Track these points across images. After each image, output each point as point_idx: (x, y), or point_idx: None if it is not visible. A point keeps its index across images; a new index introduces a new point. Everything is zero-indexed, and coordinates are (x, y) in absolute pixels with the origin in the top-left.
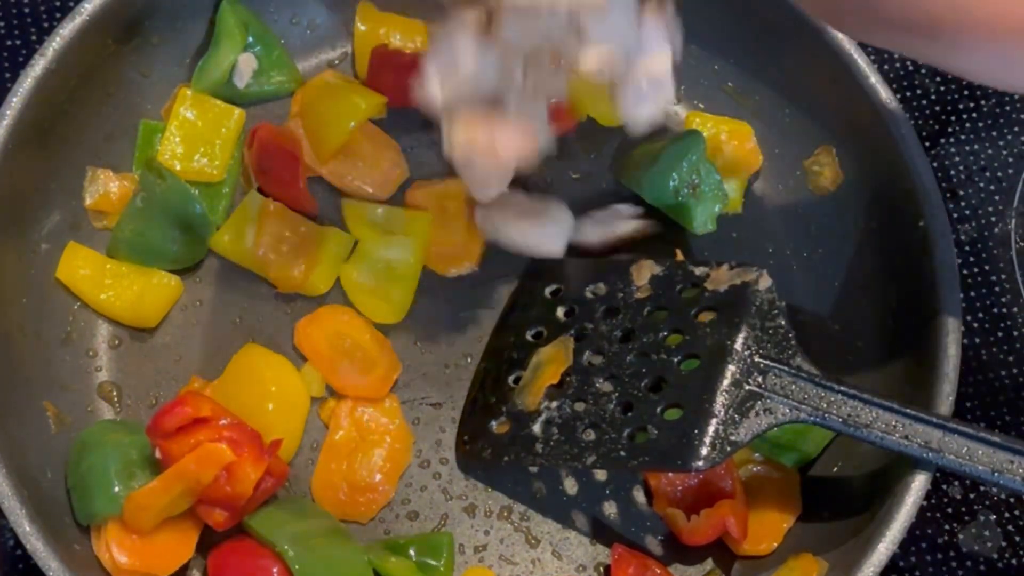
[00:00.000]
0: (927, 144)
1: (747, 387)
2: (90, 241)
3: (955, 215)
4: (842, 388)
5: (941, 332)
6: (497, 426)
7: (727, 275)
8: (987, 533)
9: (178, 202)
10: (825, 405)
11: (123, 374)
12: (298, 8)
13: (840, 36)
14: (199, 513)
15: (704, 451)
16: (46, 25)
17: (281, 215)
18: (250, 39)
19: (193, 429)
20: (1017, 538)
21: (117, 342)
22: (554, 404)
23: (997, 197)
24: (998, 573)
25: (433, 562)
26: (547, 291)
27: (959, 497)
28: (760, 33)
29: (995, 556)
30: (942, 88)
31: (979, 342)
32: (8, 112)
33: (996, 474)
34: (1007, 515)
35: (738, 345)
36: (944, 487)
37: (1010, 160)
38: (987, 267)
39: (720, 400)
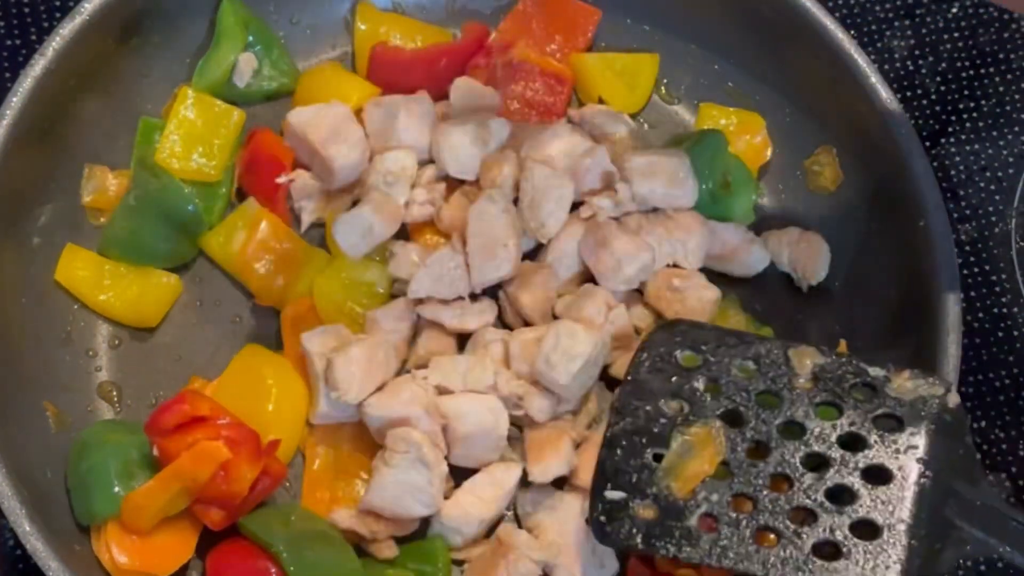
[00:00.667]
0: (927, 144)
1: (944, 514)
2: (89, 239)
3: (955, 215)
4: None
5: (941, 332)
6: (641, 509)
7: (911, 384)
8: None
9: (172, 201)
10: (1019, 538)
11: (123, 374)
12: (298, 8)
13: (840, 36)
14: (196, 512)
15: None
16: (46, 25)
17: (274, 227)
18: (250, 38)
19: (191, 427)
20: None
21: (117, 342)
22: (713, 497)
23: (997, 197)
24: (998, 573)
25: (429, 568)
26: (680, 356)
27: None
28: (760, 34)
29: (995, 556)
30: (942, 88)
31: (979, 342)
32: (8, 112)
33: None
34: None
35: (935, 466)
36: None
37: (1010, 160)
38: (987, 267)
39: (922, 527)
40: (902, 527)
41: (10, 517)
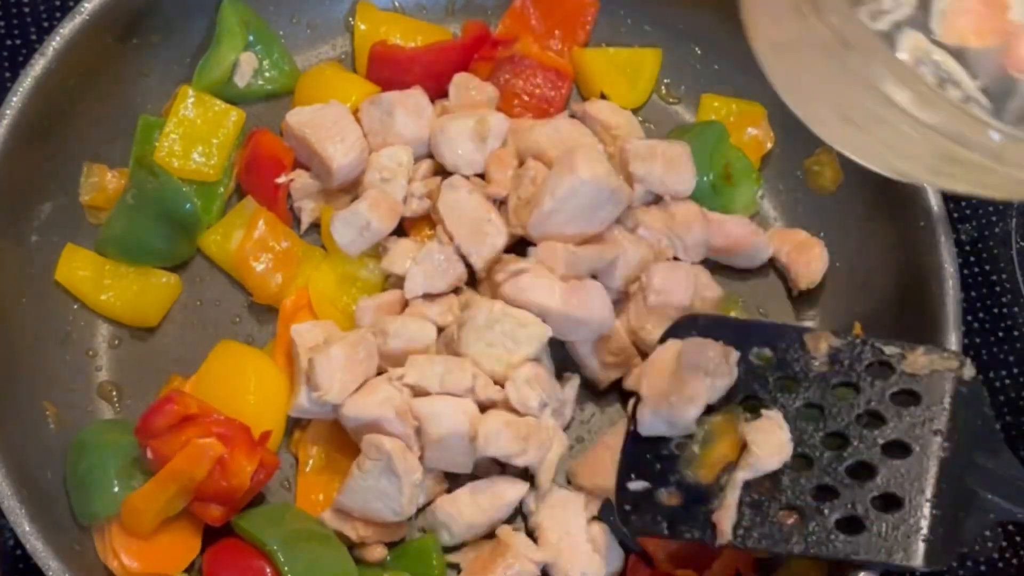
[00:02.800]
0: None
1: (966, 484)
2: (88, 238)
3: (955, 215)
4: None
5: (941, 332)
6: (667, 496)
7: (926, 359)
8: (987, 533)
9: (169, 199)
10: None
11: (123, 374)
12: (298, 7)
13: None
14: (195, 511)
15: (929, 550)
16: (46, 25)
17: (271, 226)
18: (251, 38)
19: (182, 427)
20: (1017, 538)
21: (117, 342)
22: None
23: None
24: (998, 573)
25: (423, 568)
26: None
27: None
28: None
29: (995, 556)
30: None
31: (979, 342)
32: (8, 111)
33: None
34: None
35: (954, 438)
36: None
37: None
38: (987, 267)
39: (942, 496)
40: (923, 499)
41: (10, 517)
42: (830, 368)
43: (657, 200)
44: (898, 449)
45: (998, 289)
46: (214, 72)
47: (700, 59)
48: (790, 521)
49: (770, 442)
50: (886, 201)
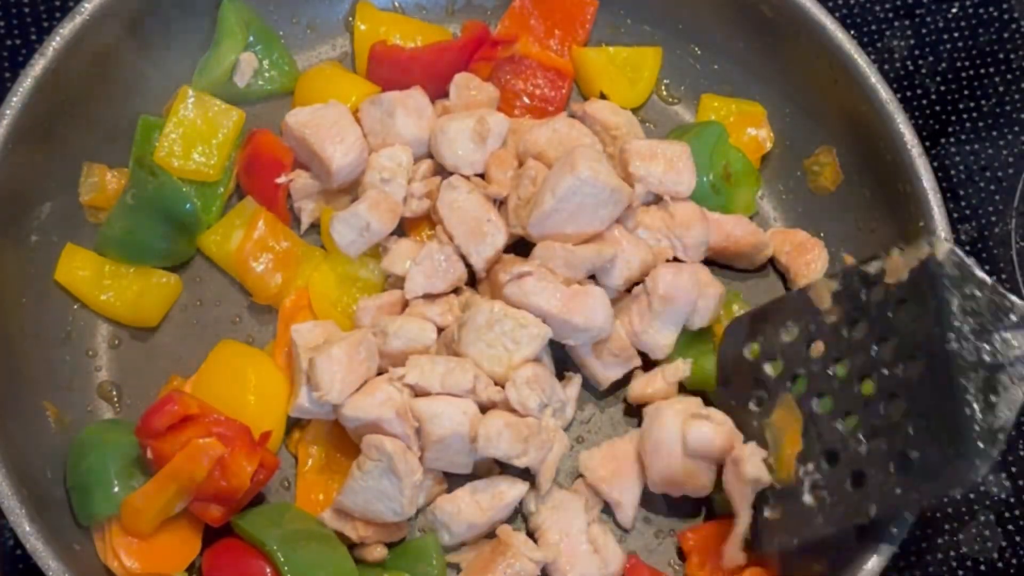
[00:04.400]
0: (927, 144)
1: (985, 361)
2: (88, 238)
3: (955, 215)
4: None
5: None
6: (770, 513)
7: (902, 260)
8: (987, 533)
9: (169, 199)
10: None
11: (123, 374)
12: (298, 7)
13: (840, 36)
14: (195, 511)
15: (977, 452)
16: (46, 25)
17: (271, 226)
18: (251, 38)
19: (182, 427)
20: (1017, 538)
21: (117, 342)
22: (810, 467)
23: (997, 197)
24: (998, 573)
25: (422, 566)
26: (748, 353)
27: (959, 497)
28: (761, 34)
29: (995, 556)
30: (942, 88)
31: None
32: (8, 111)
33: None
34: (1007, 515)
35: (950, 325)
36: None
37: (1010, 160)
38: (987, 267)
39: (964, 389)
40: (955, 401)
41: (10, 517)
42: (838, 313)
43: (657, 200)
44: (911, 355)
45: None
46: (214, 72)
47: (700, 59)
48: (861, 487)
49: None
50: (886, 201)
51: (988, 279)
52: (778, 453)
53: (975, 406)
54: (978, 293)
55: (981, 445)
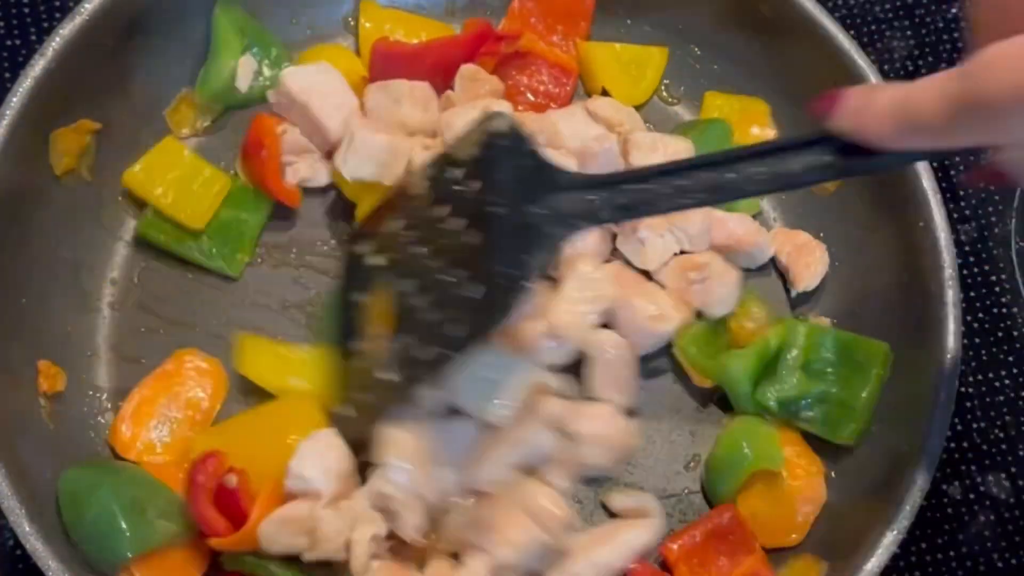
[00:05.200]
0: None
1: (522, 221)
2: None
3: (955, 215)
4: (607, 179)
5: (941, 332)
6: (368, 398)
7: (474, 136)
8: (987, 533)
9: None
10: (598, 206)
11: (122, 374)
12: (298, 8)
13: (840, 36)
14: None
15: (501, 299)
16: (46, 25)
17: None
18: (247, 41)
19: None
20: (1017, 538)
21: (116, 341)
22: (396, 344)
23: (997, 197)
24: (998, 573)
25: None
26: (365, 254)
27: (959, 497)
28: (760, 34)
29: (995, 556)
30: None
31: (979, 342)
32: (8, 111)
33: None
34: (1007, 515)
35: (491, 190)
36: (944, 487)
37: None
38: (987, 267)
39: (497, 248)
40: (488, 258)
41: (10, 517)
42: (431, 199)
43: None
44: (475, 224)
45: (998, 289)
46: (215, 82)
47: (700, 59)
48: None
49: None
50: (886, 201)
51: (537, 152)
52: (371, 336)
53: (501, 259)
54: (530, 169)
55: (503, 297)
